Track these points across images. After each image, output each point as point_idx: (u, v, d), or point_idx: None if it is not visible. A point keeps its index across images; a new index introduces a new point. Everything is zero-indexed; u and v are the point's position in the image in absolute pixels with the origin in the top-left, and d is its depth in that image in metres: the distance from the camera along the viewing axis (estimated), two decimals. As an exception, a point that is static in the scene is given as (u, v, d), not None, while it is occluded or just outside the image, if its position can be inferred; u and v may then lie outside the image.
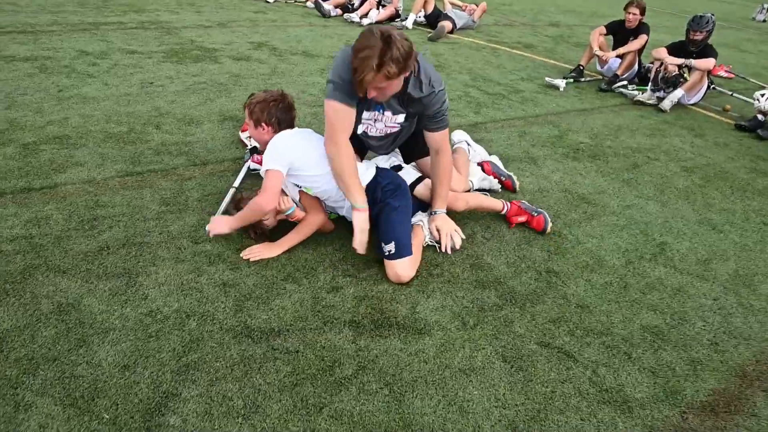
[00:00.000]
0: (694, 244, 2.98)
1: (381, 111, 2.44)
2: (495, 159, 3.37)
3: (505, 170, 3.31)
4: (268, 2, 8.45)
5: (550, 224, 2.85)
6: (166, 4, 7.55)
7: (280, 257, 2.38)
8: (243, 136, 3.34)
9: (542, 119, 4.61)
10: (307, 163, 2.37)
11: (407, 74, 2.21)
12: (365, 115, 2.47)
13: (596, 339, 2.15)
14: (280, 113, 2.49)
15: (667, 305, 2.44)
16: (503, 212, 2.88)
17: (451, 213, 2.66)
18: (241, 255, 2.36)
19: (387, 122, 2.49)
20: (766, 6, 15.92)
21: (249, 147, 3.20)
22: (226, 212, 2.58)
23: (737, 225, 3.26)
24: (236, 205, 2.52)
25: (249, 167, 3.01)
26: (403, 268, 2.27)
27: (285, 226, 2.50)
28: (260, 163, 2.93)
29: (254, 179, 2.96)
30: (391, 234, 2.30)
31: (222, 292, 2.14)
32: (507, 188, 3.27)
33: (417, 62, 2.30)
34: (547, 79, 5.65)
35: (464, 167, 3.09)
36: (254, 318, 2.03)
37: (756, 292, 2.63)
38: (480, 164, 3.29)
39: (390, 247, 2.27)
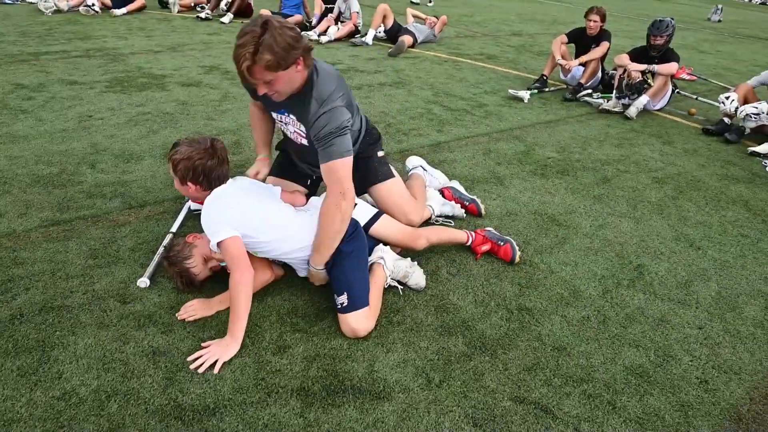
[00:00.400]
0: (673, 264, 2.81)
1: (285, 114, 2.23)
2: (455, 184, 3.15)
3: (467, 194, 3.11)
4: (223, 23, 8.19)
5: (518, 253, 2.64)
6: (115, 30, 7.23)
7: (219, 313, 2.12)
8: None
9: (507, 134, 4.43)
10: (251, 228, 2.03)
11: (295, 69, 1.93)
12: (274, 114, 2.31)
13: (576, 388, 1.94)
14: (209, 171, 2.05)
15: (650, 339, 2.24)
16: (468, 244, 2.66)
17: (412, 252, 2.44)
18: (176, 315, 2.09)
19: (295, 127, 2.24)
20: (720, 6, 16.26)
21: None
22: (159, 263, 2.30)
23: (715, 239, 3.10)
24: (170, 257, 2.19)
25: (189, 208, 2.75)
26: (358, 322, 2.02)
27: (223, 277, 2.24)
28: (201, 203, 2.67)
29: (195, 221, 2.69)
30: (344, 283, 2.05)
31: (150, 363, 1.86)
32: (472, 213, 3.06)
33: (315, 69, 2.05)
34: (510, 91, 5.51)
35: (421, 193, 2.87)
36: (186, 393, 1.76)
37: (742, 316, 2.46)
38: (440, 191, 3.07)
39: (342, 299, 2.02)
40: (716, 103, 5.26)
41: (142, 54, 6.04)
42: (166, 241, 2.46)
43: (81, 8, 8.25)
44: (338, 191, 2.03)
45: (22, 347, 1.89)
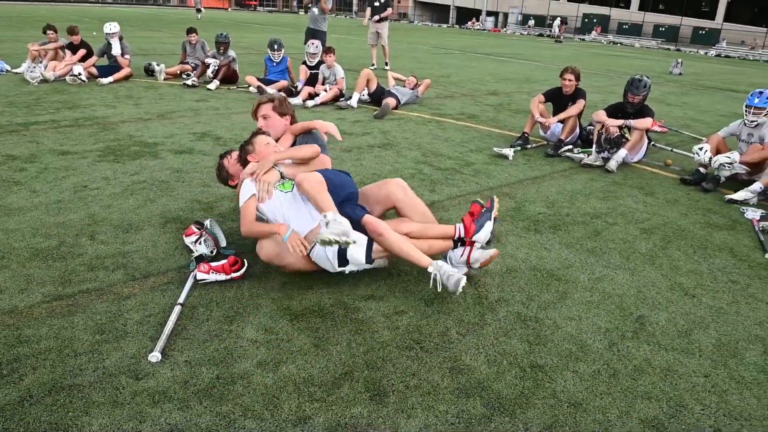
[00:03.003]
0: (672, 314, 2.87)
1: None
2: None
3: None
4: (209, 89, 8.38)
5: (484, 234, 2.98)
6: (102, 98, 7.34)
7: (236, 385, 2.09)
8: (188, 241, 3.08)
9: (497, 191, 4.56)
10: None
11: (282, 121, 3.44)
12: None
13: (597, 445, 1.94)
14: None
15: (660, 390, 2.27)
16: (457, 236, 2.99)
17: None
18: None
19: None
20: (680, 61, 17.20)
21: (194, 255, 2.94)
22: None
23: (708, 287, 3.19)
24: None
25: (195, 277, 2.75)
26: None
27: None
28: (207, 272, 2.68)
29: (201, 290, 2.69)
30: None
31: (169, 441, 1.83)
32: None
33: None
34: (495, 149, 5.70)
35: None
36: (209, 472, 1.72)
37: (744, 362, 2.51)
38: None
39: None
40: (691, 154, 5.50)
41: (132, 122, 6.13)
42: (175, 315, 2.45)
43: (68, 78, 8.39)
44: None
45: (34, 431, 1.83)
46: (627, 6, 42.77)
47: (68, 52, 8.89)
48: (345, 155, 5.30)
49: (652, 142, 6.16)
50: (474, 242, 2.99)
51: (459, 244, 3.05)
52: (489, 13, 47.75)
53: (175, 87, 8.57)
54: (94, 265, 2.94)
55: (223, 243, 3.14)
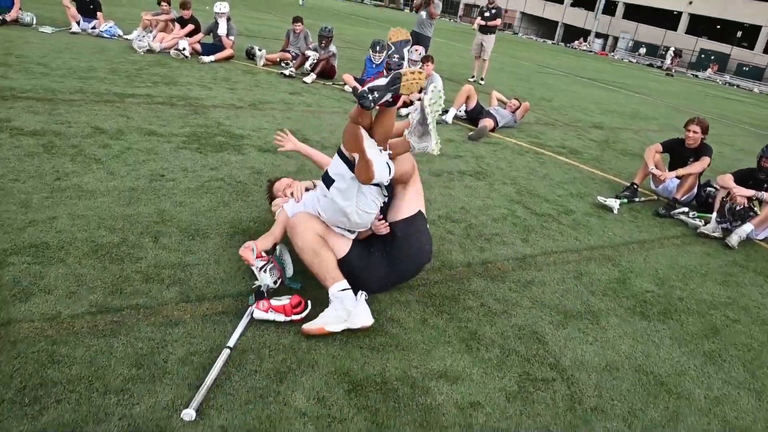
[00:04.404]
0: (814, 470, 2.28)
1: None
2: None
3: None
4: (305, 82, 8.22)
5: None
6: (200, 78, 7.32)
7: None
8: (252, 265, 2.77)
9: (598, 253, 4.01)
10: None
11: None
12: None
13: None
14: None
15: None
16: None
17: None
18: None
19: None
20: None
21: (256, 284, 2.64)
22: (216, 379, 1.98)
23: None
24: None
25: (252, 316, 2.44)
26: None
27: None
28: (266, 309, 2.37)
29: (256, 329, 2.39)
30: None
31: None
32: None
33: None
34: (599, 198, 5.10)
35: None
36: None
37: None
38: None
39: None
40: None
41: (224, 108, 6.01)
42: (221, 361, 2.15)
43: (172, 51, 8.49)
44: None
45: (37, 491, 1.57)
46: (751, 47, 39.49)
47: (177, 26, 9.01)
48: (434, 179, 4.89)
49: (785, 220, 5.33)
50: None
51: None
52: (598, 35, 45.66)
53: (272, 75, 8.48)
54: (150, 274, 2.70)
55: (290, 272, 2.82)
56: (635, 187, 5.53)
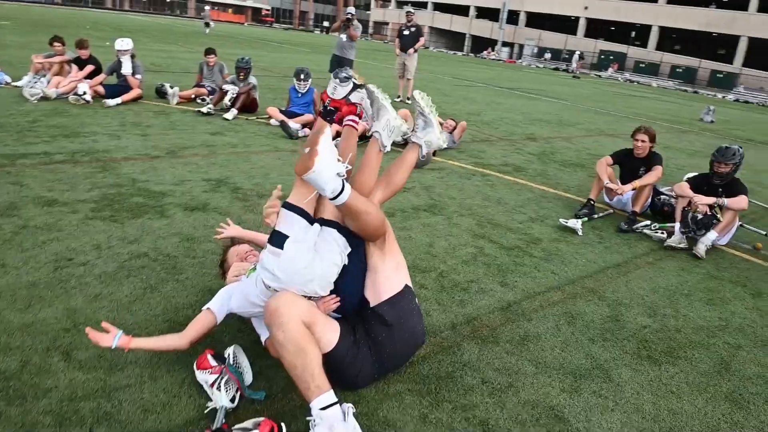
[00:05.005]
0: None
1: None
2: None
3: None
4: (226, 119, 7.56)
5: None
6: (106, 125, 6.51)
7: None
8: (201, 378, 2.18)
9: (580, 287, 3.68)
10: None
11: None
12: None
13: None
14: None
15: None
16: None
17: None
18: None
19: None
20: (712, 108, 16.43)
21: (209, 407, 2.04)
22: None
23: None
24: None
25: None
26: None
27: None
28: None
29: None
30: None
31: None
32: None
33: None
34: (561, 220, 4.84)
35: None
36: None
37: None
38: None
39: None
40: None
41: (137, 160, 5.28)
42: None
43: (70, 97, 7.59)
44: None
45: None
46: (644, 45, 42.38)
47: (75, 67, 8.08)
48: (390, 220, 4.41)
49: (740, 222, 5.30)
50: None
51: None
52: (505, 44, 47.39)
53: (188, 114, 7.75)
54: (64, 413, 2.04)
55: (249, 379, 2.25)
56: (592, 203, 5.33)
